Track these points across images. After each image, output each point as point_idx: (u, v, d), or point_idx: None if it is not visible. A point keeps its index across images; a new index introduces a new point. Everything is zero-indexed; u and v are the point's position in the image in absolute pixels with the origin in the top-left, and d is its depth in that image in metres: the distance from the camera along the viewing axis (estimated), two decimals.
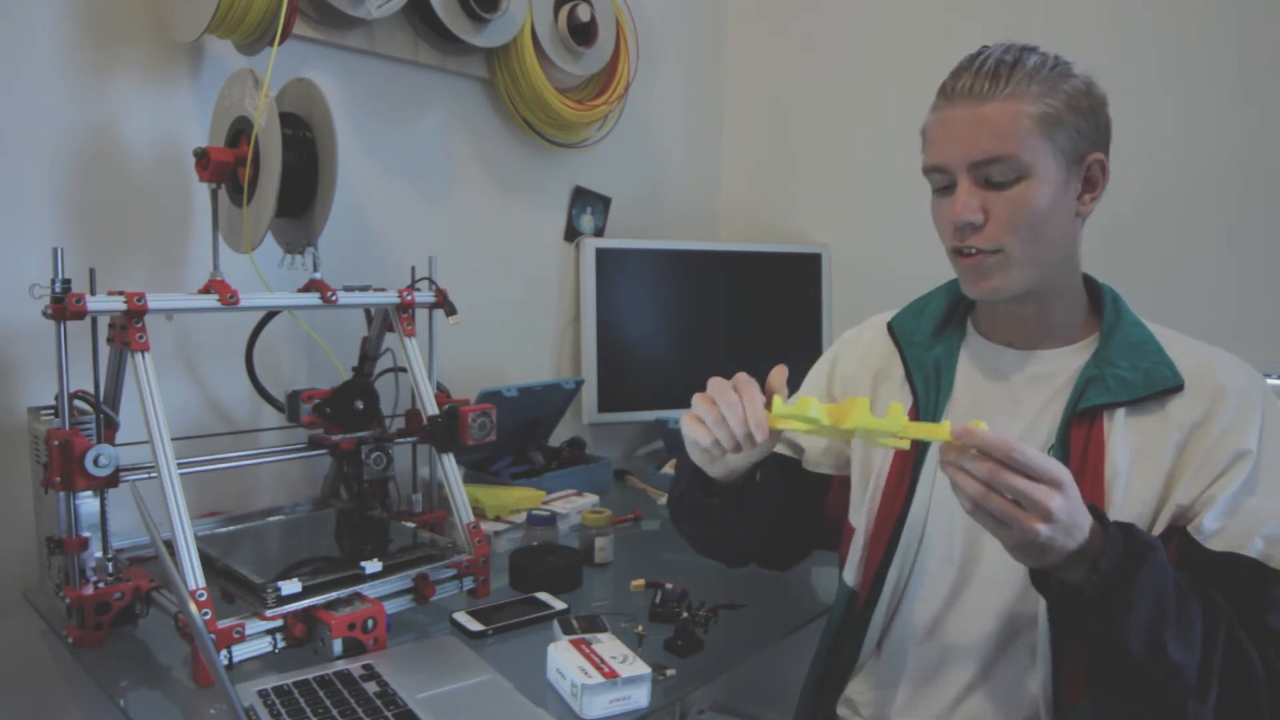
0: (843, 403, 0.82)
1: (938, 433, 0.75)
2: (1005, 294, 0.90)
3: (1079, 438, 0.87)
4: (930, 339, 1.01)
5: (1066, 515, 0.71)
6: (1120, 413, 0.87)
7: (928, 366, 0.98)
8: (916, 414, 0.97)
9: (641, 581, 1.24)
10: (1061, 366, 0.93)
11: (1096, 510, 0.77)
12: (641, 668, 0.93)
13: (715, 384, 0.87)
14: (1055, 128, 0.85)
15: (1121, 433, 0.86)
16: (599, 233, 2.01)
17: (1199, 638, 0.76)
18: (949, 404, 0.96)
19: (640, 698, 0.93)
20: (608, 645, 0.98)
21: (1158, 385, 0.86)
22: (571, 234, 1.96)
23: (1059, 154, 0.86)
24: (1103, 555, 0.74)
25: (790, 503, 1.04)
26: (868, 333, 1.10)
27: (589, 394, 1.88)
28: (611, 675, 0.91)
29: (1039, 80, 0.85)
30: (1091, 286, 0.97)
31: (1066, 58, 0.89)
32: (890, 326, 1.05)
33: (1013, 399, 0.94)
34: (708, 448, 0.87)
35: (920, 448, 0.96)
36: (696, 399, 0.88)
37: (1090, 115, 0.88)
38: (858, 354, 1.08)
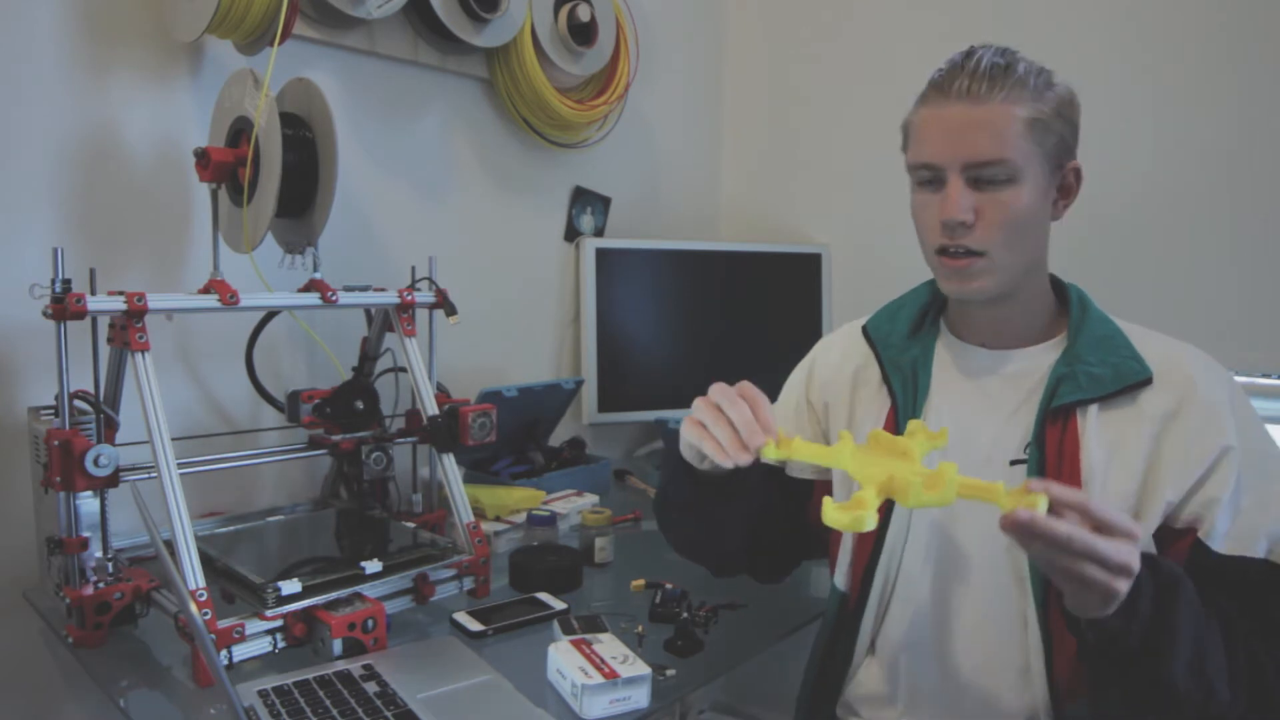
0: (867, 443, 0.80)
1: (994, 495, 0.69)
2: (985, 296, 0.90)
3: (1054, 435, 0.88)
4: (905, 341, 1.01)
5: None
6: (1093, 409, 0.88)
7: (904, 368, 0.98)
8: (895, 415, 0.97)
9: (641, 581, 1.24)
10: (1033, 365, 0.93)
11: None
12: (641, 668, 0.93)
13: (720, 390, 0.84)
14: (1044, 133, 0.86)
15: (1096, 428, 0.87)
16: (599, 233, 2.01)
17: (1223, 649, 0.77)
18: (926, 404, 0.96)
19: (640, 698, 0.93)
20: (608, 645, 0.98)
21: (1128, 379, 0.87)
22: (571, 234, 1.96)
23: (1045, 159, 0.87)
24: (1139, 596, 0.72)
25: (774, 505, 1.04)
26: (843, 338, 1.09)
27: (589, 394, 1.88)
28: (611, 675, 0.91)
29: (1030, 86, 0.85)
30: (1057, 286, 0.98)
31: (1047, 66, 0.89)
32: (865, 330, 1.05)
33: (988, 399, 0.94)
34: (709, 455, 0.82)
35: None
36: (699, 404, 0.84)
37: (1071, 123, 0.89)
38: (834, 359, 1.07)
